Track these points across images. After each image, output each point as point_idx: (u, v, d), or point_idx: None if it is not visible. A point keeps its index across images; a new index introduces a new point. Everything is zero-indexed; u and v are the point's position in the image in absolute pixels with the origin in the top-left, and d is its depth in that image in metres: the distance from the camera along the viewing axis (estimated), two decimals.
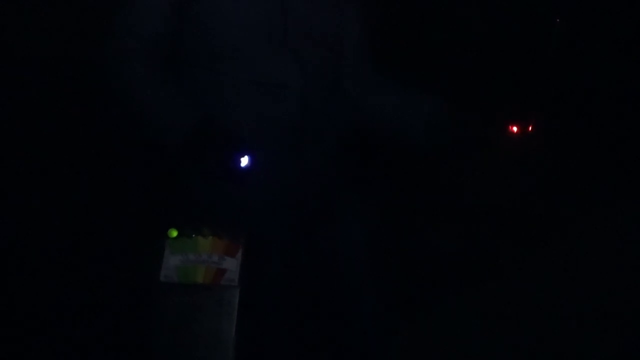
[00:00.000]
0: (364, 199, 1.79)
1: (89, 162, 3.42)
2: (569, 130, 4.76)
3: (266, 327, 1.62)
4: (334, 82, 1.67)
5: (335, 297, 1.72)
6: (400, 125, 1.72)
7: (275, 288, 1.64)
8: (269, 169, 1.56)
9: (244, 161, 1.45)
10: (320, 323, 1.74)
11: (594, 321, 2.88)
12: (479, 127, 1.68)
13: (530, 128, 1.75)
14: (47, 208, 3.23)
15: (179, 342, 1.49)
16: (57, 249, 3.05)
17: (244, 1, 1.53)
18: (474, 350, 2.66)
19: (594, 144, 4.77)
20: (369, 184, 1.90)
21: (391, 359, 1.70)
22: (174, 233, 1.52)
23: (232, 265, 1.51)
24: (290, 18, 1.56)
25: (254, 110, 1.57)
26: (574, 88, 5.06)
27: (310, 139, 1.63)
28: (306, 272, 1.71)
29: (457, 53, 4.88)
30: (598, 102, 5.07)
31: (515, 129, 1.75)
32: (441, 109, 1.66)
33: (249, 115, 1.56)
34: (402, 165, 3.73)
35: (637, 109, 5.00)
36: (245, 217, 1.58)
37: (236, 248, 1.52)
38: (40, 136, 3.46)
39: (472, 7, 5.06)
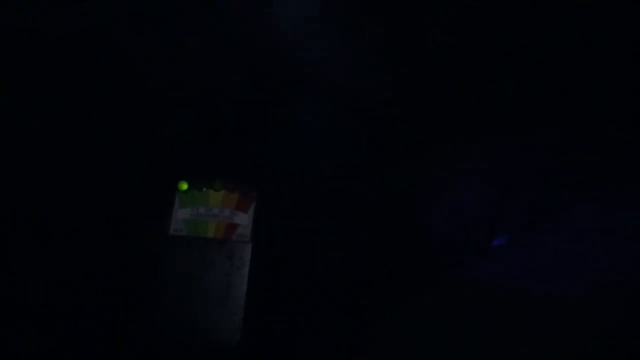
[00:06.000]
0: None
1: (100, 116, 3.31)
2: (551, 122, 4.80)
3: (277, 284, 1.58)
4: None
5: (346, 256, 1.69)
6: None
7: (288, 245, 1.60)
8: (286, 128, 1.55)
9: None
10: (331, 280, 1.70)
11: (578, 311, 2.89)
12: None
13: None
14: (57, 160, 3.11)
15: (188, 296, 1.43)
16: (66, 201, 2.93)
17: None
18: (458, 340, 2.63)
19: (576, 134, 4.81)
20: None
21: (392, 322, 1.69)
22: (185, 186, 1.47)
23: (244, 220, 1.47)
24: None
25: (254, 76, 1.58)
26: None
27: (318, 108, 1.64)
28: (318, 231, 1.67)
29: None
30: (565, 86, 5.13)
31: None
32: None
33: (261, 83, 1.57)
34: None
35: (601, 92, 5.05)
36: (258, 173, 1.54)
37: (249, 203, 1.48)
38: (55, 91, 3.35)
39: None
